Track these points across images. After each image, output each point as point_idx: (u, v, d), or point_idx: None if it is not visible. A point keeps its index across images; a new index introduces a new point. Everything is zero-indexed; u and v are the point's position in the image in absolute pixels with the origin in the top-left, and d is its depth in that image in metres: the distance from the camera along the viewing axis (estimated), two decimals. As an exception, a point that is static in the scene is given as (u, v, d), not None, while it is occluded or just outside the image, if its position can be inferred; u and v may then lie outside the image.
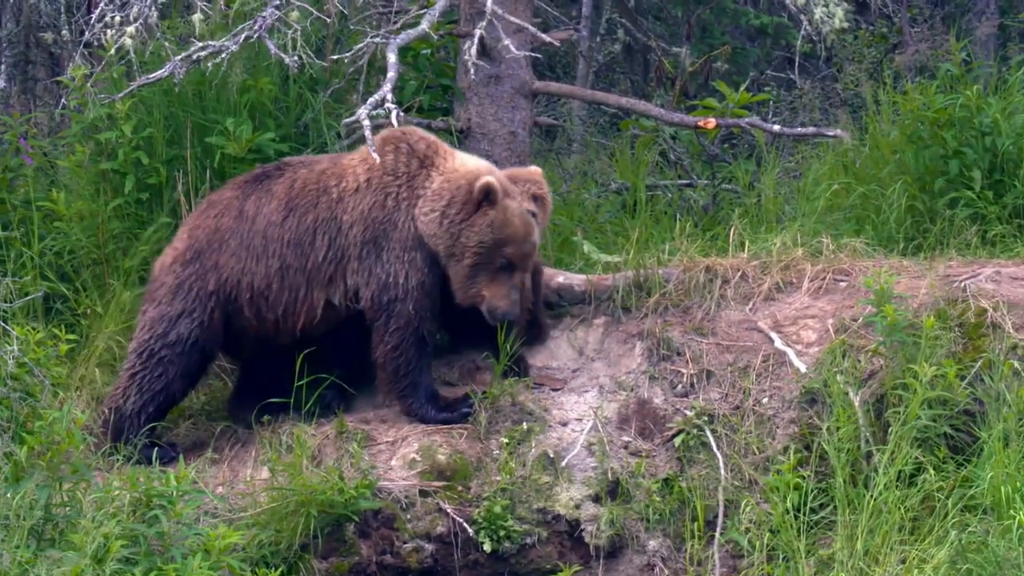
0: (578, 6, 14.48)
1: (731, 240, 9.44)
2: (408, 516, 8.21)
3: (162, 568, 7.05)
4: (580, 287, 9.18)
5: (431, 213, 8.52)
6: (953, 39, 10.83)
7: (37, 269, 9.70)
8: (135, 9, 9.65)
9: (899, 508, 7.69)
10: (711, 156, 11.80)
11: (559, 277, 9.30)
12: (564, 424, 8.61)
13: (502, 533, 8.21)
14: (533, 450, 8.46)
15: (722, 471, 8.31)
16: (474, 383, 8.86)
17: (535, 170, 9.07)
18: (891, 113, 10.54)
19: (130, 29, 9.52)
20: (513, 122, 10.19)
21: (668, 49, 14.10)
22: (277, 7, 9.38)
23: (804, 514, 7.91)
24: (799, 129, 11.02)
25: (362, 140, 8.85)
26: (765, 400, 8.51)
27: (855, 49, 14.34)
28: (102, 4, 9.90)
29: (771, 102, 13.68)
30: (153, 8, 9.66)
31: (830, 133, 10.48)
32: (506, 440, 8.49)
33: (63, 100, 10.64)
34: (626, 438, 8.57)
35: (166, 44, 9.71)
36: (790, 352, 8.61)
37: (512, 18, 9.62)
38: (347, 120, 9.31)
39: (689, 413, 8.53)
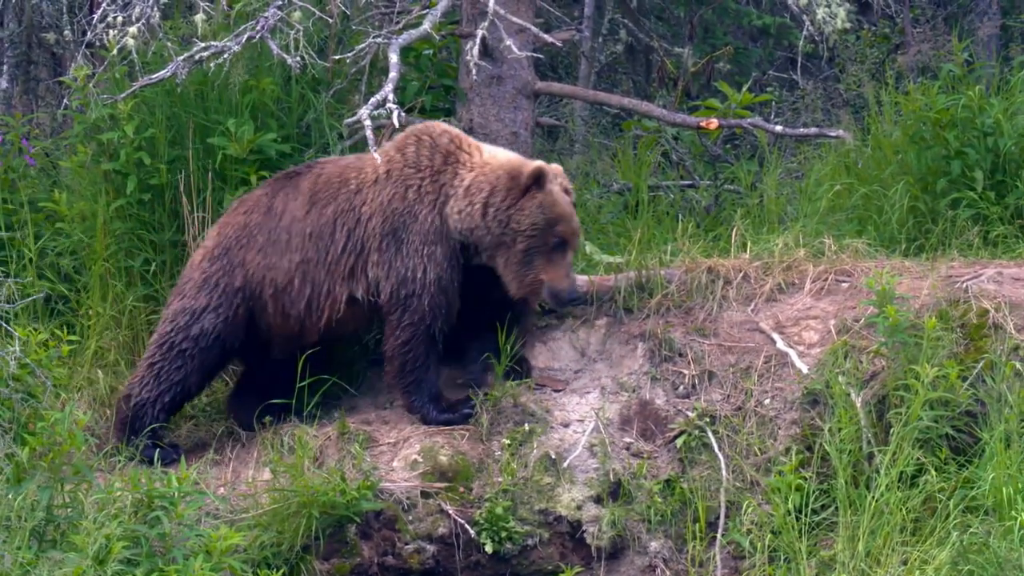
0: (580, 6, 14.45)
1: (733, 241, 9.44)
2: (410, 517, 8.22)
3: (163, 569, 7.06)
4: (582, 288, 9.17)
5: (470, 206, 8.52)
6: (955, 39, 10.82)
7: (35, 269, 9.70)
8: (137, 9, 9.65)
9: (901, 509, 7.68)
10: (713, 157, 11.80)
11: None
12: (566, 425, 8.61)
13: (504, 534, 8.21)
14: (535, 451, 8.46)
15: (724, 472, 8.31)
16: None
17: (556, 167, 9.09)
18: (893, 114, 10.52)
19: (132, 29, 9.51)
20: (515, 122, 10.19)
21: (670, 49, 14.08)
22: (279, 7, 9.38)
23: (806, 515, 7.91)
24: (801, 130, 11.00)
25: (364, 140, 8.87)
26: (767, 401, 8.51)
27: (857, 49, 14.32)
28: (104, 4, 9.90)
29: (773, 103, 13.67)
30: (155, 8, 9.66)
31: (832, 134, 10.47)
32: (508, 441, 8.49)
33: (65, 100, 10.65)
34: (628, 439, 8.57)
35: (168, 44, 9.72)
36: (792, 353, 8.61)
37: (514, 18, 9.63)
38: (349, 120, 9.31)
39: (691, 414, 8.53)
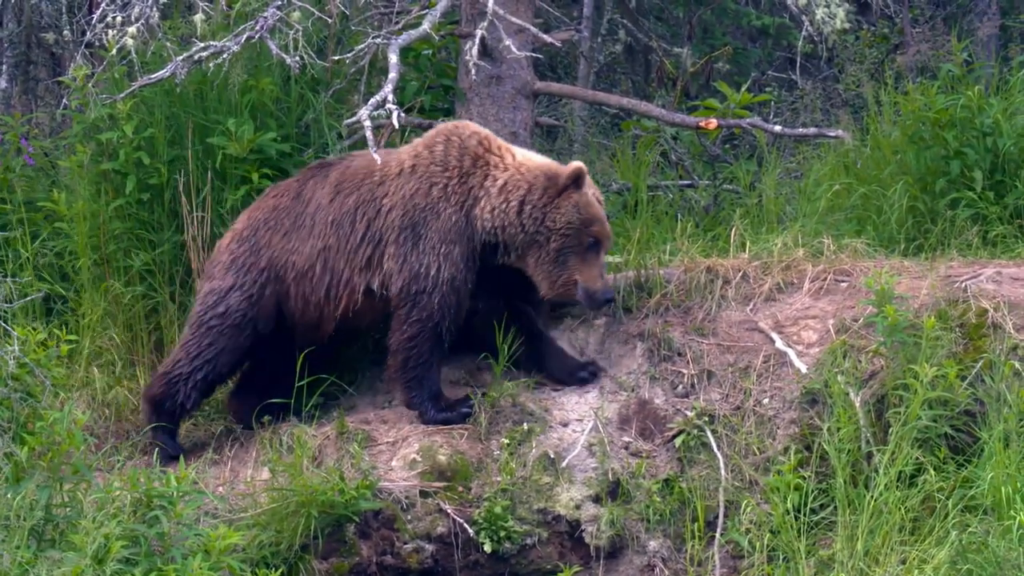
0: (579, 6, 14.45)
1: (732, 240, 9.45)
2: (408, 517, 8.22)
3: (162, 569, 7.06)
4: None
5: (505, 204, 8.55)
6: (954, 39, 10.82)
7: (33, 270, 9.70)
8: (136, 9, 9.65)
9: (899, 508, 7.69)
10: (712, 156, 11.80)
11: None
12: (565, 424, 8.61)
13: (502, 534, 8.21)
14: (534, 451, 8.47)
15: (722, 471, 8.31)
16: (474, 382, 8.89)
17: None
18: (892, 114, 10.52)
19: (131, 29, 9.52)
20: (514, 122, 10.19)
21: (669, 49, 14.08)
22: (278, 7, 9.38)
23: (804, 515, 7.91)
24: (800, 130, 11.00)
25: (363, 140, 8.87)
26: (766, 400, 8.51)
27: (856, 49, 14.33)
28: (103, 4, 9.90)
29: (772, 103, 13.67)
30: (154, 8, 9.66)
31: (831, 134, 10.48)
32: (507, 440, 8.49)
33: (64, 100, 10.64)
34: (627, 438, 8.57)
35: (167, 44, 9.72)
36: (791, 352, 8.61)
37: (513, 19, 9.63)
38: (348, 120, 9.33)
39: (690, 413, 8.53)
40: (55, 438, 7.33)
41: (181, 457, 8.55)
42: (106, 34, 9.72)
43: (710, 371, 8.70)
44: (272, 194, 9.08)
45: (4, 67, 13.27)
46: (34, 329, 7.95)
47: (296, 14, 9.44)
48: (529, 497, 8.35)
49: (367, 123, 8.78)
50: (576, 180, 8.57)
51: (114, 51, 9.64)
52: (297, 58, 9.28)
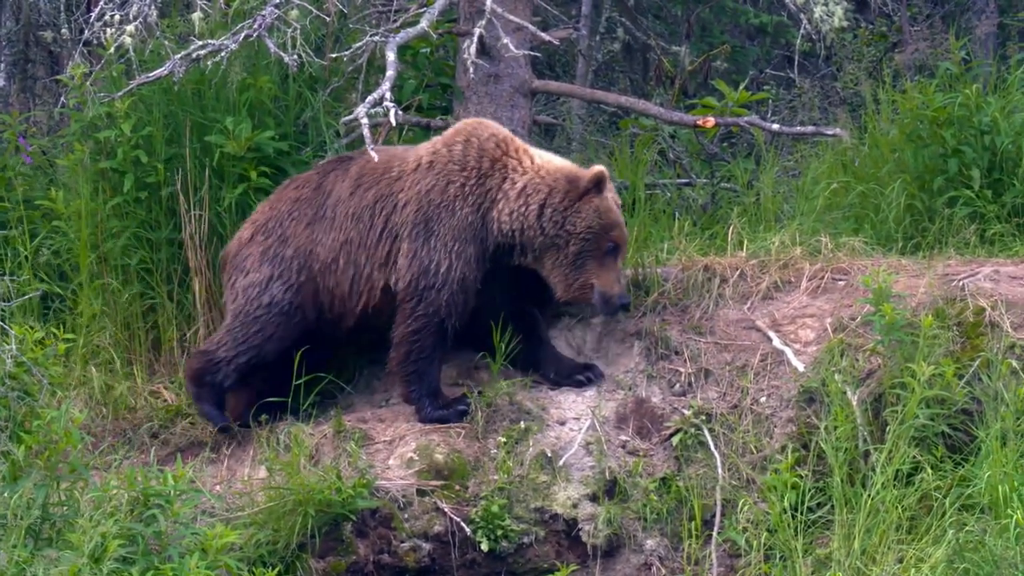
0: (577, 5, 14.44)
1: (730, 239, 9.45)
2: (405, 515, 8.22)
3: (159, 567, 7.05)
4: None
5: (524, 207, 8.57)
6: (952, 38, 10.81)
7: (31, 268, 9.70)
8: (135, 8, 9.64)
9: (896, 507, 7.69)
10: (710, 155, 11.79)
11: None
12: (562, 423, 8.61)
13: (499, 532, 8.22)
14: (531, 449, 8.47)
15: (720, 470, 8.32)
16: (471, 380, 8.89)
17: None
18: (890, 112, 10.52)
19: (130, 28, 9.51)
20: (512, 121, 10.17)
21: (667, 48, 14.07)
22: (276, 6, 9.37)
23: (801, 513, 7.92)
24: (798, 128, 11.00)
25: (361, 139, 8.87)
26: (763, 399, 8.51)
27: (854, 48, 14.31)
28: (102, 3, 9.89)
29: (770, 101, 13.64)
30: (153, 7, 9.65)
31: (829, 132, 10.47)
32: (504, 439, 8.50)
33: (62, 99, 10.63)
34: (624, 437, 8.57)
35: (166, 43, 9.70)
36: (788, 351, 8.62)
37: (511, 17, 9.62)
38: (346, 118, 9.32)
39: (687, 412, 8.53)
40: (52, 437, 7.33)
41: (179, 456, 8.51)
42: (104, 32, 9.71)
43: (707, 370, 8.70)
44: (292, 186, 9.10)
45: (2, 65, 13.28)
46: (32, 328, 7.95)
47: (294, 12, 9.43)
48: (526, 496, 8.35)
49: (364, 121, 8.78)
50: (598, 184, 8.58)
51: (112, 49, 9.63)
52: (295, 56, 9.27)
